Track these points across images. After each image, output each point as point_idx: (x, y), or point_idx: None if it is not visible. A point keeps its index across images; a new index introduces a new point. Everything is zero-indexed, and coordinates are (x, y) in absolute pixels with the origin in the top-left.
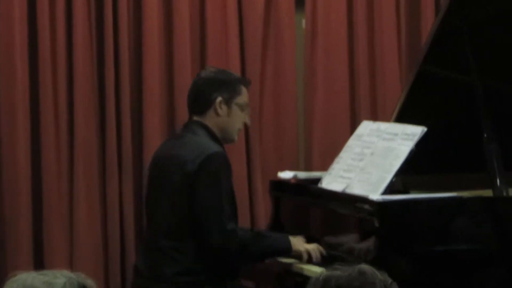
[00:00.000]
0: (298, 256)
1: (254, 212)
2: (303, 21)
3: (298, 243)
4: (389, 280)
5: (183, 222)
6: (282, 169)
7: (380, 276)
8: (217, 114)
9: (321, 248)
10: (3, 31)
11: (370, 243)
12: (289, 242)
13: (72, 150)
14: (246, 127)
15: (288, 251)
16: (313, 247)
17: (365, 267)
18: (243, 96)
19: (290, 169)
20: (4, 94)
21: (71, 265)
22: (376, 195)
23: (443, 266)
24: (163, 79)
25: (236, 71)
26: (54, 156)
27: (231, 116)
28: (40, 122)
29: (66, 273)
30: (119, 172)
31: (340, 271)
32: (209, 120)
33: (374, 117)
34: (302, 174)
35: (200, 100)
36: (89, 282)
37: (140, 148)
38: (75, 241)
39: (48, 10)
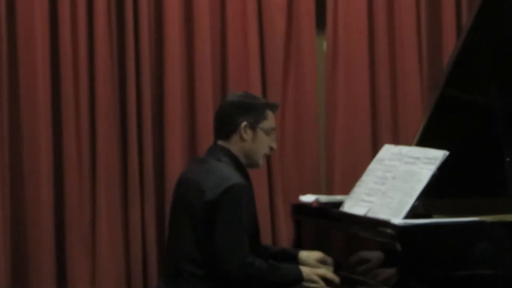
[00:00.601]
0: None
1: (276, 235)
2: (324, 43)
3: (310, 272)
4: None
5: (203, 249)
6: (304, 193)
7: None
8: (242, 138)
9: (329, 274)
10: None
11: (391, 267)
12: (300, 272)
13: (94, 174)
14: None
15: (299, 280)
16: (323, 273)
17: None
18: (269, 121)
19: (312, 192)
20: (27, 121)
21: (93, 286)
22: (398, 219)
23: None
24: (185, 102)
25: (257, 92)
26: (77, 180)
27: (256, 141)
28: (63, 147)
29: None
30: (141, 195)
31: None
32: (234, 144)
33: (396, 140)
34: (323, 198)
35: (225, 124)
36: None
37: (162, 171)
38: (97, 265)
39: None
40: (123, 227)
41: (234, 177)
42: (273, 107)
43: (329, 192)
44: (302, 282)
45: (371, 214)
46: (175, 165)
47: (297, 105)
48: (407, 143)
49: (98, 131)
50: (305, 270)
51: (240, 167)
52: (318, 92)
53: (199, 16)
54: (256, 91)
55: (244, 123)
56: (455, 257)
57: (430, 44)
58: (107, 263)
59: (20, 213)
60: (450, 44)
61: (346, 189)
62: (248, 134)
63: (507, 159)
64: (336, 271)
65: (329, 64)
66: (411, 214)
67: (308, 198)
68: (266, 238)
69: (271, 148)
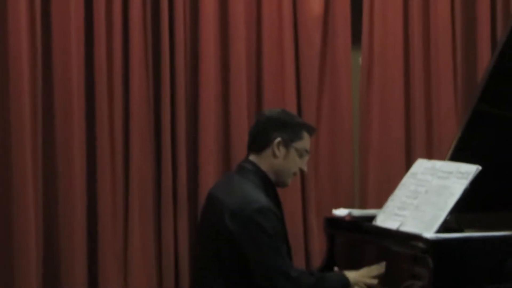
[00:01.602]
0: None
1: (309, 248)
2: (360, 58)
3: (358, 276)
4: None
5: (232, 269)
6: (337, 207)
7: None
8: (274, 155)
9: (374, 272)
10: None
11: (423, 281)
12: (346, 279)
13: (127, 188)
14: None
15: (347, 287)
16: (365, 274)
17: None
18: (304, 142)
19: (345, 206)
20: (61, 136)
21: None
22: (430, 233)
23: None
24: (219, 116)
25: (292, 107)
26: (110, 193)
27: (287, 160)
28: (97, 161)
29: None
30: (174, 209)
31: None
32: (265, 160)
33: (429, 155)
34: (356, 212)
35: (259, 138)
36: None
37: (195, 185)
38: (129, 278)
39: (105, 45)
40: (156, 241)
41: (258, 200)
42: (310, 129)
43: (363, 206)
44: None
45: (403, 228)
46: (209, 179)
47: (332, 119)
48: (441, 157)
49: (132, 145)
50: (350, 275)
51: (269, 187)
52: (353, 106)
53: (235, 30)
54: (291, 105)
55: (278, 139)
56: (487, 271)
57: (465, 59)
58: (139, 277)
59: (53, 226)
60: (485, 58)
61: (379, 203)
62: (280, 151)
63: None
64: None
65: (364, 79)
66: (443, 228)
67: (341, 212)
68: (299, 252)
69: (301, 170)
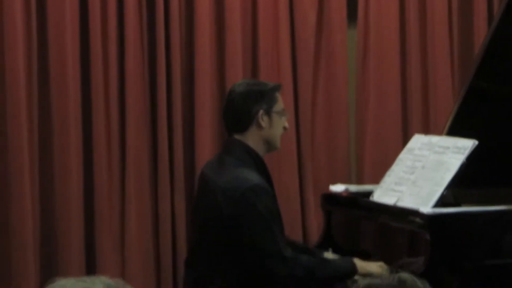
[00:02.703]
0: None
1: (306, 225)
2: (355, 35)
3: (365, 265)
4: None
5: (225, 250)
6: (334, 182)
7: (420, 284)
8: (260, 127)
9: (385, 266)
10: (56, 41)
11: (420, 256)
12: (354, 266)
13: (123, 167)
14: (297, 139)
15: (353, 274)
16: (381, 265)
17: (405, 275)
18: (279, 103)
19: (342, 182)
20: (57, 115)
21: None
22: (427, 208)
23: (494, 280)
24: (215, 93)
25: (288, 85)
26: (106, 173)
27: (273, 126)
28: (92, 140)
29: (105, 279)
30: (171, 188)
31: (379, 280)
32: (252, 136)
33: (426, 130)
34: (353, 187)
35: (241, 116)
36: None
37: (192, 164)
38: (126, 257)
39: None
40: (153, 219)
41: (251, 178)
42: (279, 88)
43: (360, 182)
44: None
45: (400, 204)
46: (205, 157)
47: (328, 97)
48: (438, 133)
49: (127, 123)
50: (358, 262)
51: (260, 165)
52: (349, 83)
53: (230, 8)
54: (287, 83)
55: (260, 112)
56: (483, 246)
57: (461, 35)
58: (136, 255)
59: (50, 205)
60: (481, 34)
61: (376, 179)
62: (265, 121)
63: None
64: (366, 260)
65: (360, 55)
66: (440, 203)
67: (338, 188)
68: (296, 229)
69: (285, 128)
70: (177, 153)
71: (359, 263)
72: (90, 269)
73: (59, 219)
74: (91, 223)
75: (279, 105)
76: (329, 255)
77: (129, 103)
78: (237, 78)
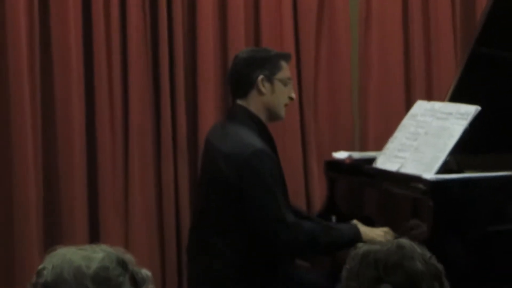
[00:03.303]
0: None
1: (309, 192)
2: (357, 5)
3: (370, 231)
4: (428, 254)
5: (229, 215)
6: (337, 150)
7: (419, 250)
8: (261, 93)
9: (390, 231)
10: (58, 28)
11: (424, 222)
12: (359, 232)
13: (126, 134)
14: (300, 107)
15: (358, 241)
16: (386, 230)
17: (403, 241)
18: (285, 71)
19: (345, 149)
20: (60, 84)
21: (126, 247)
22: (430, 174)
23: (497, 246)
24: (217, 60)
25: (290, 52)
26: (109, 140)
27: (275, 93)
28: (95, 107)
29: (105, 247)
30: (174, 155)
31: (379, 245)
32: (254, 102)
33: (429, 97)
34: (356, 154)
35: (242, 81)
36: (128, 256)
37: (195, 131)
38: (130, 225)
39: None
40: (156, 187)
41: (254, 143)
42: (286, 57)
43: (363, 149)
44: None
45: (403, 170)
46: (208, 126)
47: (331, 64)
48: (440, 99)
49: (130, 94)
50: (364, 229)
51: (263, 130)
52: (352, 51)
53: None
54: (290, 51)
55: (260, 77)
56: (486, 212)
57: (463, 2)
58: (140, 223)
59: (53, 175)
60: (483, 1)
61: (380, 146)
62: (266, 88)
63: None
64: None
65: (363, 23)
66: (443, 169)
67: (341, 154)
68: (300, 196)
69: (291, 98)
70: (180, 121)
71: (364, 229)
72: (94, 237)
73: (62, 189)
74: (95, 192)
75: (284, 73)
76: None
77: (131, 74)
78: (239, 48)
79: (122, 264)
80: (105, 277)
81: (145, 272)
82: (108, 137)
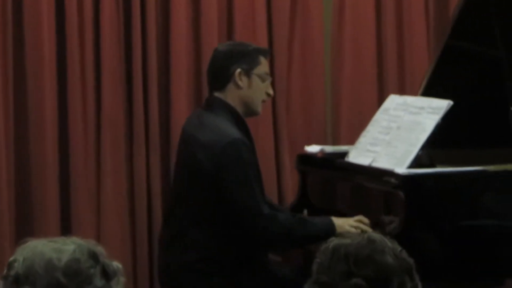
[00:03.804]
0: None
1: (282, 186)
2: None
3: (343, 223)
4: (399, 248)
5: (204, 205)
6: (310, 143)
7: (389, 243)
8: (238, 86)
9: (364, 219)
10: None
11: (396, 216)
12: (333, 225)
13: (99, 124)
14: (273, 100)
15: (331, 234)
16: (359, 219)
17: (374, 235)
18: (263, 66)
19: (318, 143)
20: (32, 75)
21: (98, 239)
22: (401, 169)
23: (468, 240)
24: (190, 53)
25: (263, 43)
26: (81, 130)
27: (252, 88)
28: (67, 98)
29: (76, 239)
30: (146, 146)
31: (349, 239)
32: (231, 95)
33: (402, 91)
34: (329, 148)
35: (219, 74)
36: (99, 248)
37: (168, 121)
38: (102, 216)
39: None
40: (128, 178)
41: (231, 133)
42: (264, 53)
43: (335, 143)
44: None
45: (375, 164)
46: (181, 117)
47: (304, 57)
48: (413, 93)
49: (103, 81)
50: (337, 221)
51: (240, 121)
52: (325, 45)
53: None
54: (262, 40)
55: (238, 70)
56: (458, 206)
57: None
58: (111, 214)
59: (24, 165)
60: None
61: (352, 140)
62: (243, 81)
63: (511, 108)
64: None
65: (336, 14)
66: (415, 163)
67: (313, 148)
68: (271, 189)
69: (268, 95)
70: (152, 114)
71: (338, 222)
72: (66, 230)
73: (34, 181)
74: (67, 184)
75: (262, 68)
76: None
77: (104, 66)
78: (212, 38)
79: (93, 256)
80: (76, 269)
81: (116, 264)
82: (81, 129)
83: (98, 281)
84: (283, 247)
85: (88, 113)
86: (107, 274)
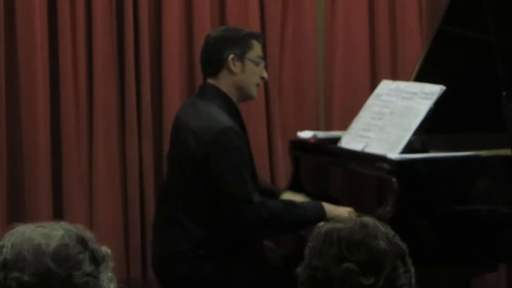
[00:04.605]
0: None
1: (274, 172)
2: None
3: (334, 209)
4: (392, 233)
5: (196, 192)
6: (302, 129)
7: (382, 228)
8: (231, 72)
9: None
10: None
11: (388, 202)
12: (323, 209)
13: (91, 111)
14: (265, 86)
15: (322, 219)
16: (350, 210)
17: (367, 219)
18: (256, 50)
19: (310, 128)
20: (24, 56)
21: (90, 226)
22: (394, 154)
23: (461, 225)
24: (183, 40)
25: (256, 29)
26: (74, 116)
27: (246, 72)
28: (60, 83)
29: (64, 225)
30: (139, 132)
31: (342, 224)
32: (224, 81)
33: (394, 76)
34: (321, 134)
35: (213, 60)
36: (88, 234)
37: (160, 107)
38: (94, 202)
39: None
40: (121, 164)
41: (223, 121)
42: (258, 37)
43: (328, 128)
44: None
45: (368, 149)
46: (173, 103)
47: (296, 42)
48: (406, 79)
49: (95, 71)
50: (328, 206)
51: (232, 108)
52: (318, 31)
53: None
54: (255, 29)
55: (231, 56)
56: (451, 192)
57: None
58: (104, 200)
59: (17, 153)
60: None
61: (345, 125)
62: (236, 67)
63: (504, 93)
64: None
65: (328, 0)
66: (407, 149)
67: (306, 134)
68: (264, 175)
69: (262, 78)
70: (144, 100)
71: (328, 207)
72: (58, 213)
73: (26, 166)
74: (59, 170)
75: (255, 52)
76: (288, 195)
77: (96, 53)
78: (204, 24)
79: (82, 241)
80: (64, 254)
81: (105, 249)
82: (73, 116)
83: (87, 266)
84: (274, 234)
85: (81, 101)
86: (96, 260)
